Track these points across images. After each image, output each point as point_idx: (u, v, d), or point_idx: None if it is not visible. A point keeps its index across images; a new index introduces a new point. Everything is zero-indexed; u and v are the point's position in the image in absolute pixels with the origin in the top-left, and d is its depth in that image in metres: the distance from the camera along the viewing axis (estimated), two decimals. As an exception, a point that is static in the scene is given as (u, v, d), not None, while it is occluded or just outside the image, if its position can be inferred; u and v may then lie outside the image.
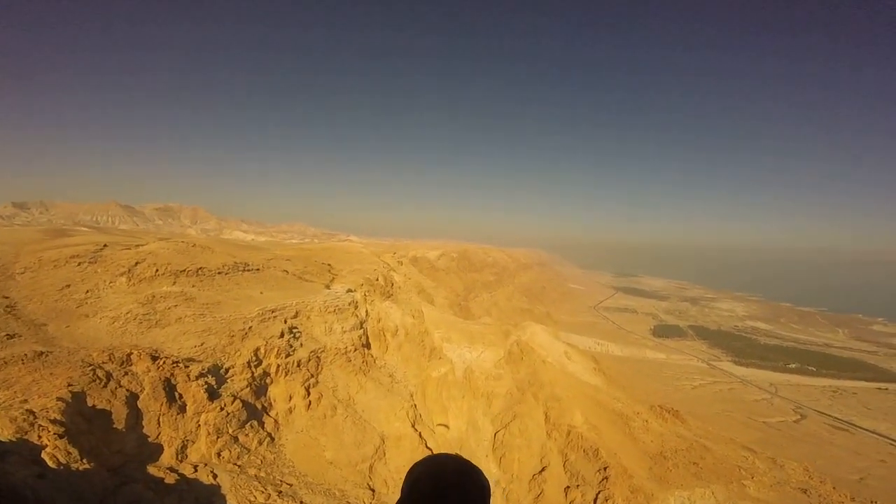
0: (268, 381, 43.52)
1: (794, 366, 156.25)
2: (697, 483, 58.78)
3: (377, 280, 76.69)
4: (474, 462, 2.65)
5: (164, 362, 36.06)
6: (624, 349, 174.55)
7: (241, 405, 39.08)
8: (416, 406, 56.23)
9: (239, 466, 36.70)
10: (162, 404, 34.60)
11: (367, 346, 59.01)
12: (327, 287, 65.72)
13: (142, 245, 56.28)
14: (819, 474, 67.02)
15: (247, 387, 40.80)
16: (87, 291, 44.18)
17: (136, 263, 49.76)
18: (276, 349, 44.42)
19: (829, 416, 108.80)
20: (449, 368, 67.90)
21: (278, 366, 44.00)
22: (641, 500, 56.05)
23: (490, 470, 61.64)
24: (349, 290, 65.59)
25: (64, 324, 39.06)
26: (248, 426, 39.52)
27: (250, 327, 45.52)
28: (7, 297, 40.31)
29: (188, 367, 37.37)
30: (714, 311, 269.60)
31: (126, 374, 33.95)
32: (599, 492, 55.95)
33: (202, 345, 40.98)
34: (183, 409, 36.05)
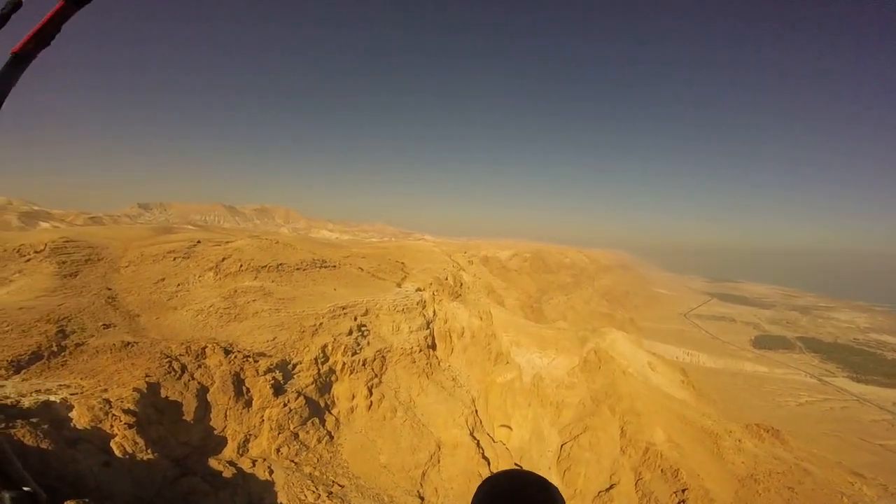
0: (333, 378, 43.94)
1: None
2: None
3: (446, 279, 75.54)
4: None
5: (235, 356, 37.59)
6: (717, 361, 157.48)
7: (304, 402, 39.65)
8: (476, 412, 54.04)
9: (296, 463, 37.15)
10: (230, 398, 35.98)
11: (433, 347, 57.90)
12: (398, 286, 65.81)
13: (230, 242, 60.14)
14: None
15: (312, 383, 41.38)
16: (179, 285, 47.82)
17: (223, 259, 53.11)
18: (343, 346, 44.74)
19: None
20: (516, 374, 64.74)
21: (344, 363, 44.24)
22: (720, 527, 49.00)
23: (551, 482, 57.58)
24: (418, 290, 65.06)
25: (154, 315, 42.45)
26: (309, 423, 39.99)
27: (321, 323, 46.36)
28: (110, 289, 44.78)
29: (258, 361, 38.66)
30: (830, 322, 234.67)
31: (200, 366, 35.77)
32: (676, 516, 49.68)
33: (274, 339, 42.33)
34: (249, 403, 37.28)
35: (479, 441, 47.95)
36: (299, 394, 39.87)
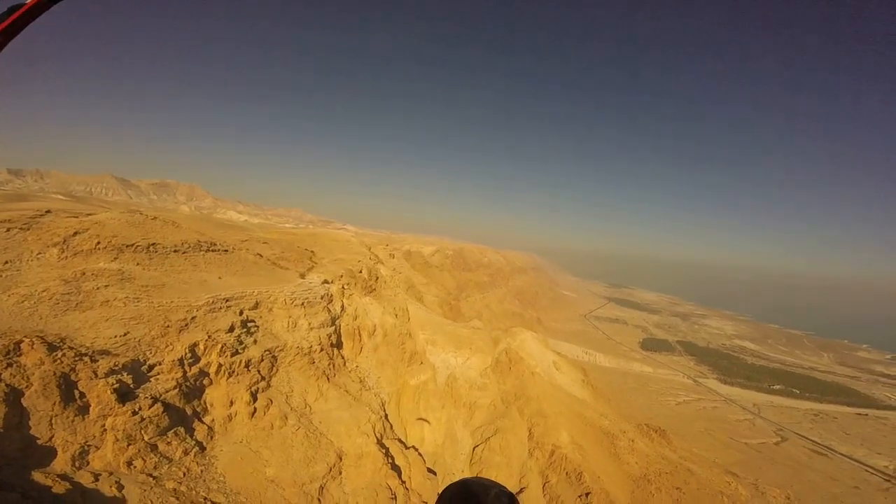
0: (205, 381, 35.50)
1: (778, 387, 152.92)
2: None
3: (360, 272, 68.68)
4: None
5: (63, 354, 28.03)
6: (611, 360, 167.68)
7: (162, 409, 31.04)
8: (386, 417, 48.35)
9: (154, 478, 28.88)
10: (54, 403, 26.69)
11: (338, 346, 51.01)
12: (302, 276, 57.65)
13: (92, 214, 48.04)
14: (800, 502, 62.64)
15: (175, 388, 32.75)
16: (6, 262, 36.00)
17: (75, 234, 41.57)
18: (219, 345, 36.38)
19: (809, 439, 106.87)
20: (430, 375, 60.05)
21: (220, 365, 35.96)
22: (620, 528, 48.95)
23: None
24: (325, 282, 57.50)
25: (-43, 299, 30.99)
26: (171, 433, 31.53)
27: (193, 317, 37.45)
28: None
29: (97, 361, 29.36)
30: (703, 328, 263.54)
31: (10, 365, 25.99)
32: (580, 521, 48.45)
33: (125, 335, 32.91)
34: (85, 410, 28.12)
35: (388, 449, 42.29)
36: (156, 400, 31.12)
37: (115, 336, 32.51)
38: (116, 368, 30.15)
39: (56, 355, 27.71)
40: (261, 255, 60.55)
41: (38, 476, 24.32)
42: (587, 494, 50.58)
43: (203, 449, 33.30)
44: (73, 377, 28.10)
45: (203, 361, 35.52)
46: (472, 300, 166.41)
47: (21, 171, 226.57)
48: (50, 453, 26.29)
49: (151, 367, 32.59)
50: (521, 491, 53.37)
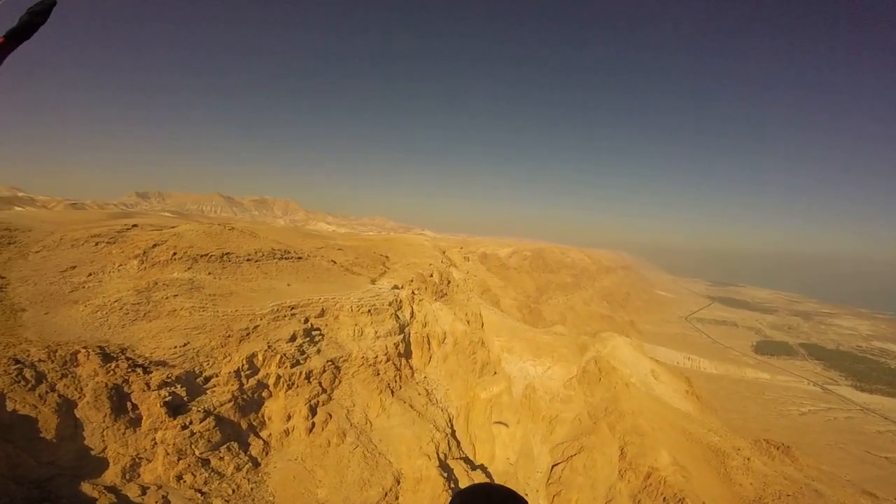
0: (264, 394, 33.60)
1: None
2: None
3: (430, 276, 65.04)
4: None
5: (116, 366, 27.38)
6: (719, 367, 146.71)
7: (214, 424, 29.37)
8: (453, 433, 43.50)
9: (203, 494, 27.30)
10: (105, 416, 26.08)
11: (406, 355, 47.38)
12: (373, 282, 55.35)
13: (174, 227, 50.00)
14: None
15: (230, 401, 31.06)
16: (90, 274, 37.65)
17: (154, 245, 42.88)
18: (279, 356, 34.34)
19: None
20: (505, 387, 54.14)
21: (279, 377, 33.87)
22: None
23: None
24: (394, 287, 54.53)
25: (44, 310, 32.31)
26: (224, 448, 29.82)
27: (256, 326, 36.00)
28: (3, 277, 34.77)
29: (150, 372, 28.40)
30: (832, 329, 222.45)
31: (65, 375, 25.73)
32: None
33: (185, 345, 32.03)
34: (137, 422, 27.28)
35: (452, 471, 37.52)
36: (208, 413, 29.59)
37: (175, 347, 31.73)
38: (170, 380, 29.03)
39: (109, 366, 27.12)
40: (334, 262, 59.55)
41: (86, 487, 24.04)
42: None
43: (257, 465, 31.23)
44: (125, 389, 27.34)
45: (262, 373, 33.68)
46: (553, 303, 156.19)
47: (146, 193, 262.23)
48: (102, 464, 25.82)
49: (208, 379, 31.25)
50: None
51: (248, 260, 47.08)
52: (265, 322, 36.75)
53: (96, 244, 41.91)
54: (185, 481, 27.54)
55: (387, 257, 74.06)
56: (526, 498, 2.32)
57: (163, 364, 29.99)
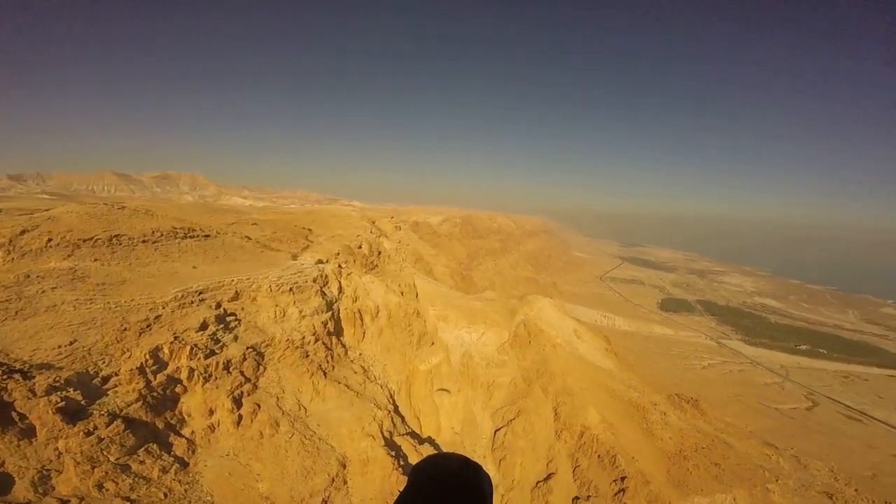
0: (178, 389, 30.01)
1: (804, 347, 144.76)
2: (719, 487, 47.37)
3: (359, 248, 62.36)
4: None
5: (-14, 375, 22.56)
6: (631, 324, 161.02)
7: (123, 426, 25.71)
8: (396, 409, 42.94)
9: (131, 501, 24.09)
10: None
11: (337, 333, 45.25)
12: (294, 258, 51.54)
13: (48, 210, 42.01)
14: (844, 475, 56.86)
15: (138, 400, 27.29)
16: (-64, 266, 30.37)
17: (23, 232, 35.69)
18: (189, 347, 30.64)
19: (842, 403, 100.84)
20: (443, 357, 54.37)
21: (192, 370, 30.34)
22: (660, 510, 43.90)
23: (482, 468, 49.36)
24: (319, 262, 51.33)
25: None
26: (142, 451, 26.38)
27: (158, 316, 31.64)
28: None
29: (32, 378, 23.84)
30: (722, 286, 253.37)
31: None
32: (614, 506, 43.42)
33: (72, 344, 27.25)
34: (30, 433, 23.07)
35: (400, 448, 37.03)
36: (115, 416, 25.77)
37: (60, 346, 26.85)
38: (58, 384, 24.58)
39: (-26, 377, 22.21)
40: (249, 238, 54.50)
41: None
42: (623, 479, 45.33)
43: (185, 465, 28.19)
44: (5, 397, 22.72)
45: (171, 367, 29.89)
46: (483, 268, 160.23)
47: (22, 175, 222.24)
48: (7, 481, 21.66)
49: (106, 379, 26.99)
50: (549, 476, 48.48)
51: (143, 242, 41.15)
52: (168, 311, 32.44)
53: (-58, 233, 33.85)
54: (107, 489, 24.08)
55: (310, 230, 69.64)
56: (490, 478, 2.34)
57: (47, 367, 25.23)
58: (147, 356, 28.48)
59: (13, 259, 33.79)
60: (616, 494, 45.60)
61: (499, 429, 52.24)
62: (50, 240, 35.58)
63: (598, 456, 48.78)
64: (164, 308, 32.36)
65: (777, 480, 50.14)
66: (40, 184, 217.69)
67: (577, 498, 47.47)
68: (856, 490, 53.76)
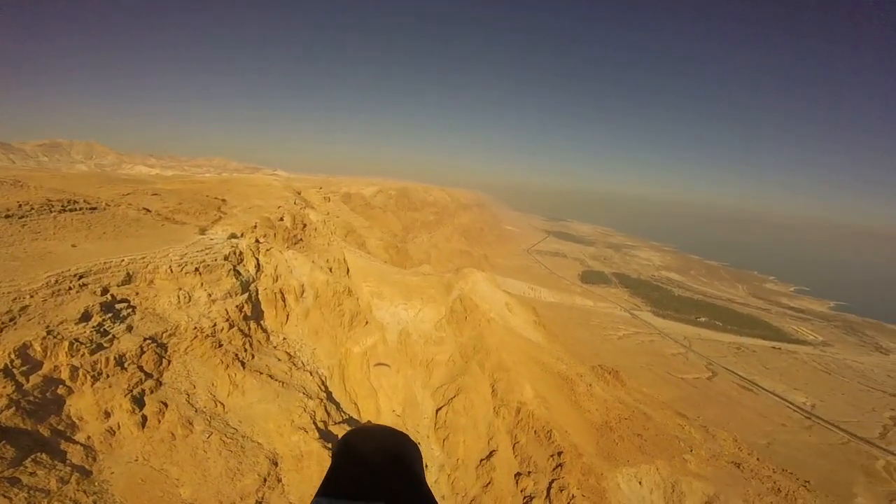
0: (60, 391, 25.11)
1: (703, 319, 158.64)
2: (643, 458, 51.35)
3: (280, 220, 57.20)
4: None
5: None
6: (555, 295, 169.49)
7: (-4, 438, 21.04)
8: (329, 396, 40.42)
9: None
10: None
11: (256, 317, 41.16)
12: (202, 233, 45.72)
13: None
14: (746, 445, 63.98)
15: (10, 406, 22.34)
16: None
17: None
18: (68, 343, 25.57)
19: (736, 374, 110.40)
20: (379, 336, 52.30)
21: (74, 368, 25.45)
22: (593, 482, 46.63)
23: (433, 454, 49.00)
24: (232, 236, 46.06)
25: None
26: (29, 461, 21.86)
27: (24, 307, 25.87)
28: None
29: None
30: (634, 260, 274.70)
31: None
32: (553, 480, 45.38)
33: None
34: None
35: (337, 437, 34.73)
36: (-21, 431, 20.92)
37: None
38: None
39: None
40: (147, 211, 47.35)
41: None
42: (559, 454, 47.14)
43: (87, 474, 23.89)
44: None
45: (47, 366, 24.77)
46: (419, 241, 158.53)
47: None
48: None
49: (-43, 389, 21.61)
50: (491, 454, 49.21)
51: (6, 217, 33.65)
52: (39, 300, 26.70)
53: None
54: None
55: (223, 201, 62.61)
56: (417, 444, 2.32)
57: None
58: (12, 355, 23.20)
59: None
60: (554, 469, 47.25)
61: (440, 408, 51.85)
62: None
63: (535, 431, 50.21)
64: (32, 297, 26.55)
65: (691, 451, 54.32)
66: None
67: (518, 474, 48.69)
68: (757, 459, 59.11)
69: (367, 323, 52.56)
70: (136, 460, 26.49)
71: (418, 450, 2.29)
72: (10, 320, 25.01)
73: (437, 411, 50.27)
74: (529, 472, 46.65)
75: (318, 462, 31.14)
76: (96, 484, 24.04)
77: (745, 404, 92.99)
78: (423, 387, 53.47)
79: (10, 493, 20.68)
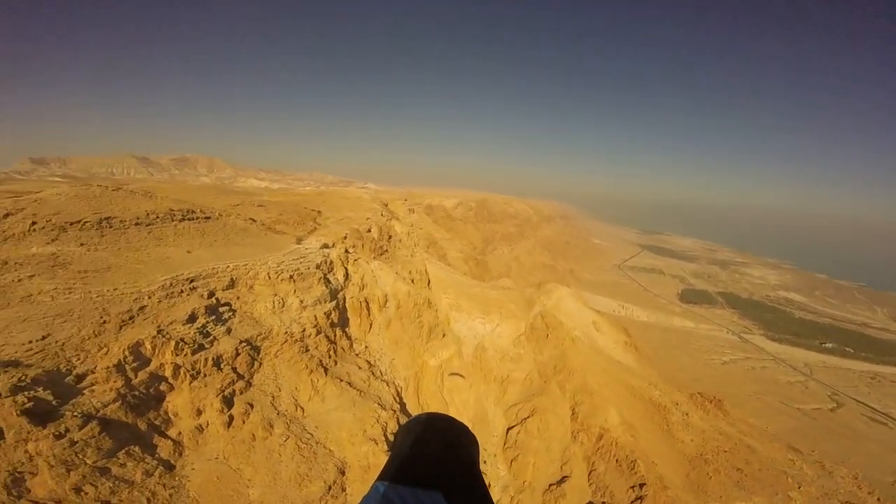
0: (163, 387, 27.36)
1: (830, 345, 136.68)
2: (739, 494, 43.79)
3: (368, 231, 58.97)
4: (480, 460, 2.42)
5: (-63, 376, 20.10)
6: (650, 314, 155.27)
7: (99, 429, 23.30)
8: (403, 408, 39.98)
9: None
10: None
11: (342, 324, 42.22)
12: (298, 242, 48.48)
13: (36, 193, 39.50)
14: (867, 483, 52.69)
15: (116, 400, 24.70)
16: None
17: (6, 215, 33.26)
18: (174, 342, 27.83)
19: (867, 405, 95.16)
20: (455, 350, 51.14)
21: (177, 366, 27.60)
22: (675, 520, 40.51)
23: (498, 473, 46.76)
24: (324, 246, 48.15)
25: None
26: (122, 453, 23.97)
27: (142, 307, 28.85)
28: None
29: (-8, 378, 21.40)
30: (745, 278, 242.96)
31: None
32: (630, 513, 40.16)
33: (44, 338, 24.62)
34: None
35: None
36: (89, 418, 23.32)
37: (31, 341, 24.22)
38: (25, 383, 22.06)
39: (-71, 376, 19.74)
40: (253, 220, 51.59)
41: None
42: (641, 485, 41.86)
43: (171, 468, 25.70)
44: None
45: (154, 364, 27.16)
46: (499, 253, 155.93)
47: (44, 159, 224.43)
48: None
49: (81, 377, 24.35)
50: (563, 479, 45.37)
51: (136, 224, 38.36)
52: (154, 301, 29.61)
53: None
54: (86, 493, 21.98)
55: (318, 212, 66.52)
56: (475, 437, 2.32)
57: (14, 364, 22.67)
58: (126, 352, 25.72)
59: (-6, 243, 31.31)
60: (633, 502, 42.49)
61: (511, 427, 49.30)
62: (34, 223, 33.02)
63: (617, 460, 45.54)
64: (149, 298, 29.54)
65: (799, 487, 46.43)
66: (61, 167, 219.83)
67: (590, 503, 44.58)
68: (878, 499, 49.91)
69: (444, 335, 51.64)
70: (217, 458, 27.82)
71: (477, 443, 2.28)
72: (130, 318, 27.88)
73: (507, 430, 47.67)
74: (604, 503, 41.76)
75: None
76: (176, 479, 25.51)
77: (874, 438, 79.16)
78: (496, 404, 51.09)
79: (97, 481, 22.55)
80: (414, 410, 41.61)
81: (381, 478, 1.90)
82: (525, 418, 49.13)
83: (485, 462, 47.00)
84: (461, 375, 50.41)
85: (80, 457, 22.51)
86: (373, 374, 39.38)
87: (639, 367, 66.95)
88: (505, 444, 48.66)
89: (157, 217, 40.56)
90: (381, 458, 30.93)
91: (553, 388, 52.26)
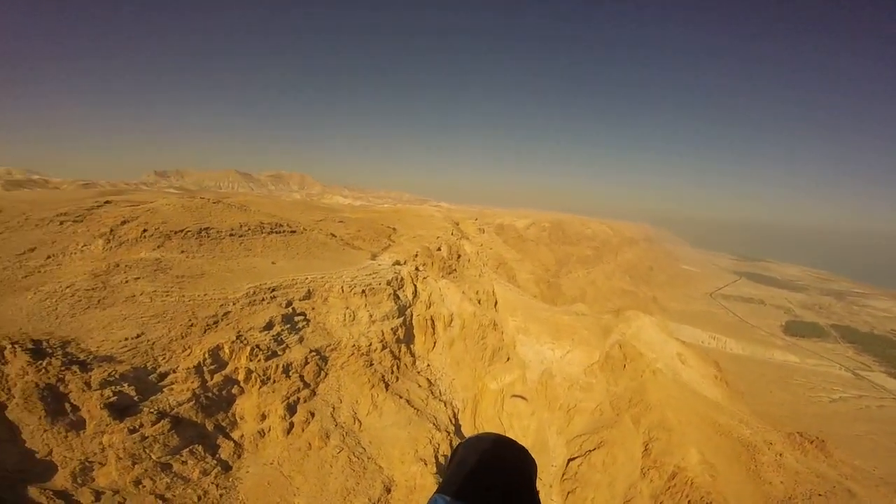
0: (234, 390, 28.77)
1: None
2: None
3: (438, 250, 58.95)
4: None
5: (49, 363, 22.76)
6: (745, 347, 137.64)
7: (169, 426, 24.87)
8: (458, 430, 38.40)
9: (164, 500, 23.34)
10: (40, 418, 22.10)
11: (407, 341, 42.04)
12: (373, 258, 49.71)
13: (151, 202, 44.91)
14: None
15: (191, 400, 26.34)
16: (49, 257, 32.99)
17: (123, 223, 37.95)
18: (249, 348, 29.26)
19: None
20: (518, 375, 48.62)
21: (250, 371, 28.90)
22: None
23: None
24: (396, 263, 48.79)
25: (-13, 298, 27.79)
26: (186, 451, 25.40)
27: (227, 313, 30.90)
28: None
29: (90, 370, 23.76)
30: (865, 310, 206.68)
31: (-9, 375, 21.39)
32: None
33: (138, 337, 27.14)
34: (79, 425, 23.16)
35: None
36: (163, 415, 25.05)
37: (126, 339, 26.84)
38: (113, 378, 24.29)
39: (40, 364, 22.43)
40: (333, 236, 54.07)
41: (33, 492, 20.38)
42: None
43: (227, 469, 26.76)
44: (61, 389, 22.77)
45: (230, 367, 28.74)
46: (573, 276, 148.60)
47: (166, 172, 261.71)
48: (50, 468, 22.22)
49: (164, 376, 26.40)
50: None
51: (230, 235, 41.81)
52: (238, 308, 31.59)
53: (61, 223, 37.25)
54: (144, 486, 23.56)
55: (394, 229, 68.24)
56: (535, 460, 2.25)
57: (108, 359, 25.19)
58: (206, 355, 27.49)
59: (111, 248, 35.76)
60: None
61: (573, 458, 45.51)
62: (145, 230, 37.25)
63: (689, 500, 39.81)
64: (234, 304, 31.61)
65: None
66: (179, 179, 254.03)
67: None
68: None
69: (508, 359, 49.32)
70: (272, 463, 28.38)
71: (535, 466, 2.23)
72: (214, 323, 29.89)
73: (568, 461, 43.89)
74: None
75: (427, 498, 28.86)
76: (230, 480, 26.32)
77: None
78: (559, 433, 47.42)
79: (157, 476, 23.83)
80: (469, 433, 39.85)
81: (441, 491, 1.89)
82: (590, 450, 45.26)
83: (538, 492, 43.59)
84: (524, 398, 47.82)
85: (147, 451, 24.11)
86: (431, 392, 38.48)
87: (729, 403, 59.09)
88: (563, 475, 45.06)
89: (249, 229, 43.91)
90: (428, 480, 29.62)
91: (626, 421, 47.44)
